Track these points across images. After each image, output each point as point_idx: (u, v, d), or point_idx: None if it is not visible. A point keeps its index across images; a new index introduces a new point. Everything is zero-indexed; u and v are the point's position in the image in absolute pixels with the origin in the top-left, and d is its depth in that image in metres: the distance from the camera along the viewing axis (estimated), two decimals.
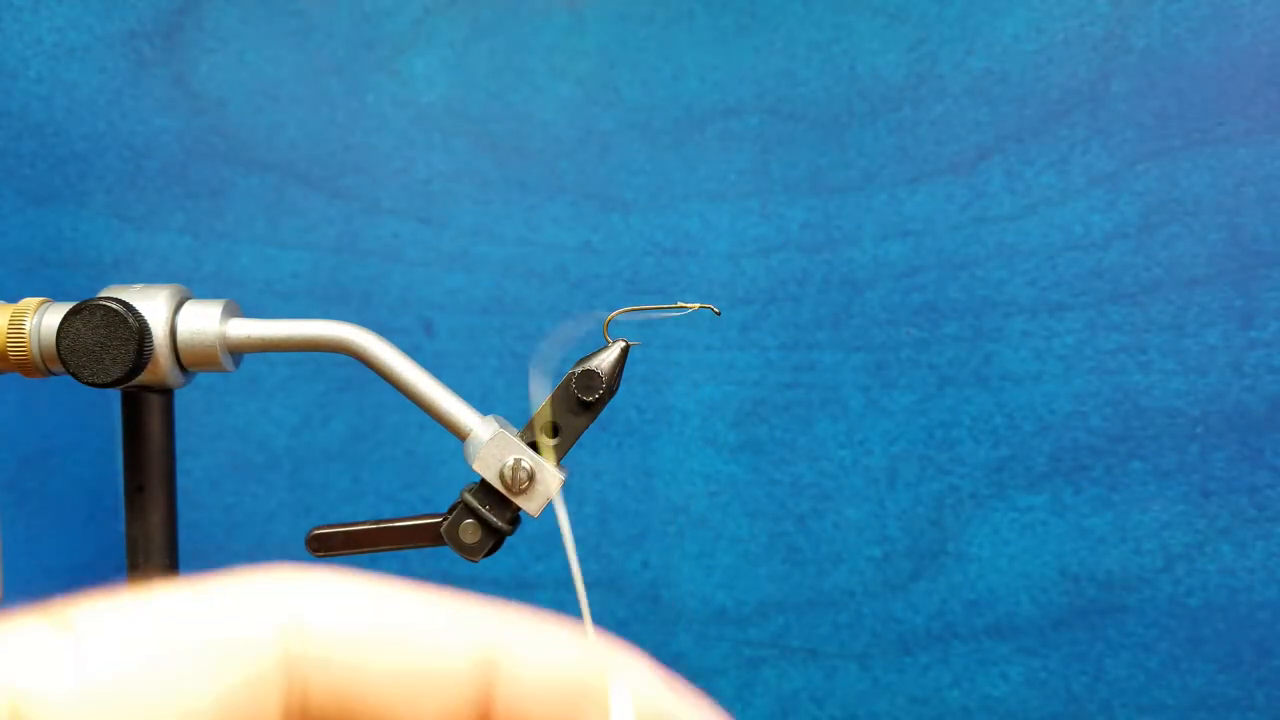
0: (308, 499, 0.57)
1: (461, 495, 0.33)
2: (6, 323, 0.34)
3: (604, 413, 0.33)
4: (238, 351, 0.35)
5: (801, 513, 0.55)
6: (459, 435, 0.33)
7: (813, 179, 0.53)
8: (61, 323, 0.33)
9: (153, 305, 0.34)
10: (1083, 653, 0.53)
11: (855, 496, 0.54)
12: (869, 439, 0.54)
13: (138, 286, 0.34)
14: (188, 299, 0.35)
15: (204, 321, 0.34)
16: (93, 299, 0.33)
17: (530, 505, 0.33)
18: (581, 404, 0.32)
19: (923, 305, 0.53)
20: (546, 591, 0.57)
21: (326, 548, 0.34)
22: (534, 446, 0.33)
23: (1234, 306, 0.51)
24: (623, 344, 0.33)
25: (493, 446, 0.32)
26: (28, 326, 0.34)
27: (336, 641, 0.15)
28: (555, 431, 0.33)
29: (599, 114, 0.54)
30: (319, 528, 0.34)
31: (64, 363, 0.33)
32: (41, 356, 0.34)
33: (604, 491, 0.56)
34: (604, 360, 0.32)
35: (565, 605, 0.56)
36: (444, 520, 0.33)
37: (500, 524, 0.33)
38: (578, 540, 0.56)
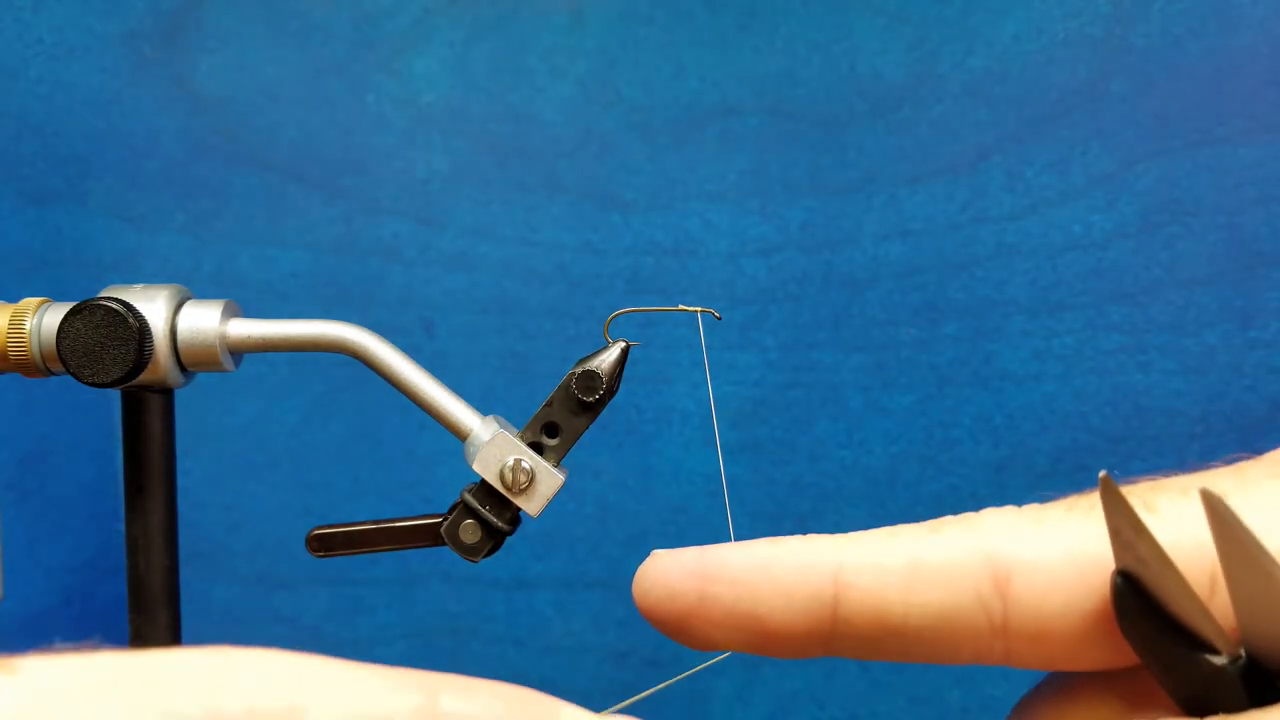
0: (308, 499, 0.57)
1: (461, 495, 0.33)
2: (6, 323, 0.34)
3: (604, 413, 0.33)
4: (238, 351, 0.35)
5: (801, 513, 0.55)
6: (459, 435, 0.33)
7: (813, 179, 0.53)
8: (61, 323, 0.33)
9: (153, 305, 0.34)
10: None
11: (855, 496, 0.54)
12: (869, 439, 0.54)
13: (138, 286, 0.34)
14: (188, 299, 0.35)
15: (204, 321, 0.34)
16: (93, 299, 0.33)
17: (530, 506, 0.33)
18: (582, 404, 0.32)
19: (923, 305, 0.53)
20: (546, 591, 0.57)
21: (327, 547, 0.34)
22: (535, 447, 0.33)
23: (1234, 306, 0.51)
24: (623, 344, 0.33)
25: (493, 447, 0.32)
26: (28, 326, 0.34)
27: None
28: (555, 432, 0.33)
29: (599, 114, 0.54)
30: (319, 528, 0.34)
31: (64, 363, 0.33)
32: (41, 356, 0.34)
33: (604, 491, 0.56)
34: (604, 360, 0.32)
35: (566, 605, 0.57)
36: (444, 520, 0.33)
37: (500, 524, 0.33)
38: (578, 540, 0.56)
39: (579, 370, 0.32)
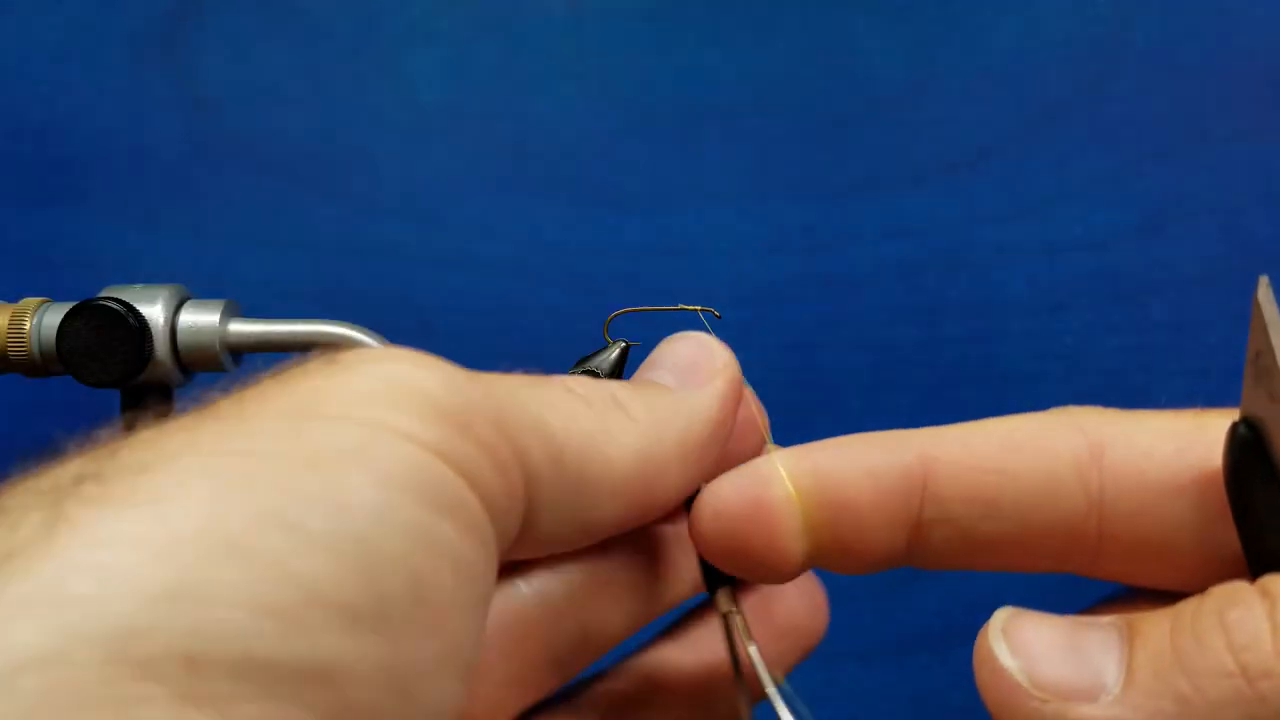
0: None
1: None
2: (6, 323, 0.34)
3: None
4: (238, 351, 0.35)
5: None
6: None
7: (813, 179, 0.53)
8: (61, 323, 0.33)
9: (153, 305, 0.34)
10: None
11: None
12: None
13: (138, 286, 0.34)
14: (188, 299, 0.35)
15: (204, 321, 0.34)
16: (93, 299, 0.33)
17: None
18: None
19: (923, 305, 0.53)
20: None
21: None
22: None
23: (1234, 306, 0.51)
24: (623, 344, 0.33)
25: None
26: (28, 326, 0.34)
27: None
28: None
29: (599, 114, 0.54)
30: None
31: (64, 363, 0.33)
32: (41, 356, 0.34)
33: None
34: (604, 360, 0.32)
35: None
36: None
37: None
38: None
39: (578, 370, 0.32)
